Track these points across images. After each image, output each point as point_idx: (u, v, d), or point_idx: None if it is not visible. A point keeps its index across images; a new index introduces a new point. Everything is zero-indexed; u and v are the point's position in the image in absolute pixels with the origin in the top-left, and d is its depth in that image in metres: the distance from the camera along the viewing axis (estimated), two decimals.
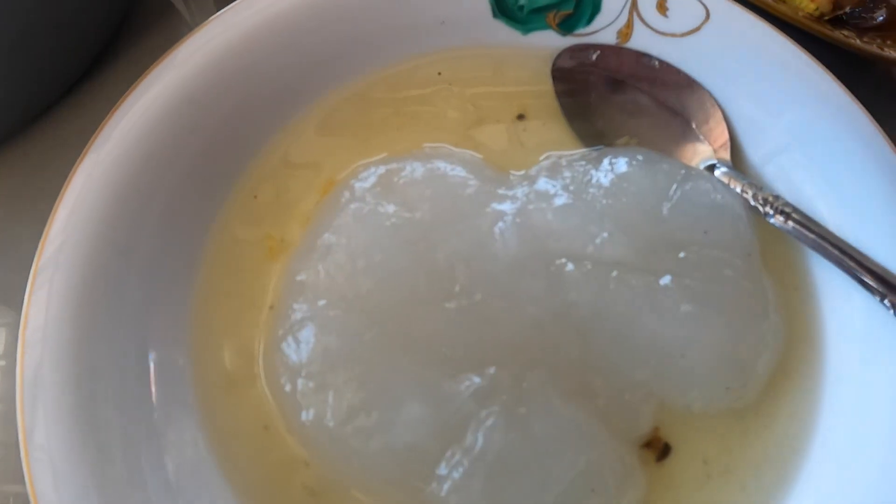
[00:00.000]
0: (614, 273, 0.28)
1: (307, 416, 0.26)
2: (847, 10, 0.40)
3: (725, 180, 0.32)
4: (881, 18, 0.46)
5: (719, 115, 0.34)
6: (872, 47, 0.39)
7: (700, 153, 0.33)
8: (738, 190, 0.32)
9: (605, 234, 0.28)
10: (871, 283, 0.30)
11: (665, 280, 0.28)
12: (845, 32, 0.39)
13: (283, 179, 0.31)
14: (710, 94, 0.34)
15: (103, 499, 0.23)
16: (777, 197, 0.32)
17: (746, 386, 0.29)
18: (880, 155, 0.33)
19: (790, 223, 0.31)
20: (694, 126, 0.34)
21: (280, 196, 0.31)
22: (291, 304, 0.27)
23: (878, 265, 0.30)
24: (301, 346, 0.26)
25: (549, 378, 0.26)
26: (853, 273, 0.30)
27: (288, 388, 0.26)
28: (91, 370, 0.25)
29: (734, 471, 0.30)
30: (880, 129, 0.33)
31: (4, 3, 0.29)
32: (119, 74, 0.39)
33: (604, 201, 0.29)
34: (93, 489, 0.23)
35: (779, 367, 0.31)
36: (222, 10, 0.31)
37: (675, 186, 0.30)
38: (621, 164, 0.30)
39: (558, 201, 0.29)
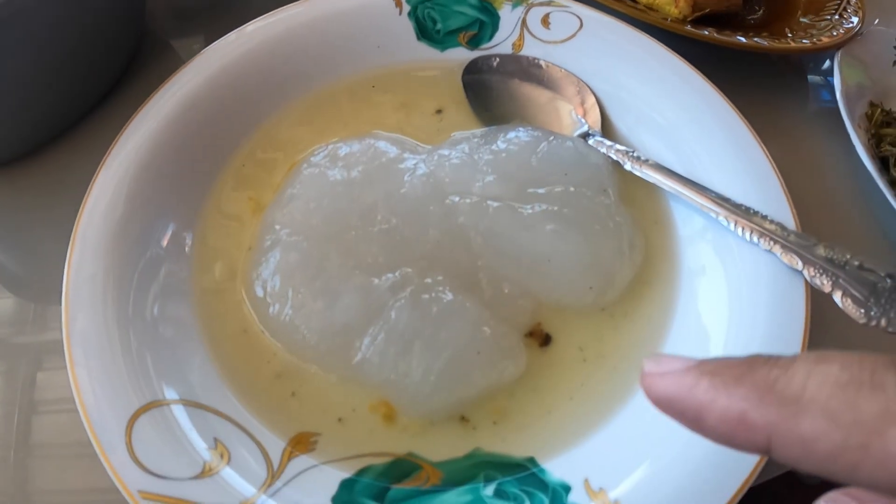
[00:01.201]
0: (494, 203, 0.38)
1: (273, 310, 0.37)
2: (708, 10, 0.50)
3: (595, 144, 0.43)
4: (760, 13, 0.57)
5: (592, 99, 0.45)
6: (732, 38, 0.48)
7: (577, 127, 0.44)
8: (604, 149, 0.42)
9: (488, 179, 0.39)
10: (710, 206, 0.39)
11: (533, 207, 0.38)
12: (711, 30, 0.49)
13: (261, 160, 0.43)
14: (586, 84, 0.45)
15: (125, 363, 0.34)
16: (632, 151, 0.42)
17: (607, 287, 0.38)
18: (723, 115, 0.43)
19: (643, 168, 0.41)
20: (572, 109, 0.45)
21: (260, 171, 0.43)
22: (265, 236, 0.39)
23: (713, 193, 0.39)
24: (270, 262, 0.37)
25: (446, 277, 0.36)
26: (694, 200, 0.39)
27: (259, 290, 0.37)
28: (118, 278, 0.37)
29: (606, 356, 0.38)
30: (724, 96, 0.43)
31: (33, 43, 0.41)
32: (130, 100, 0.49)
33: (487, 157, 0.39)
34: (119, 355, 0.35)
35: (640, 276, 0.40)
36: (206, 48, 0.44)
37: (543, 144, 0.40)
38: (505, 134, 0.41)
39: (454, 160, 0.40)
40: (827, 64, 0.56)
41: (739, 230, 0.38)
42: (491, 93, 0.45)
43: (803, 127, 0.52)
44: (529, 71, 0.46)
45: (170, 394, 0.35)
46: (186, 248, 0.40)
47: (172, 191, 0.41)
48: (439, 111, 0.45)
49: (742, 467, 0.32)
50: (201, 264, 0.40)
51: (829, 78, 0.54)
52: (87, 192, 0.39)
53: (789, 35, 0.51)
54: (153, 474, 0.32)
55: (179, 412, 0.35)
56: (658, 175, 0.41)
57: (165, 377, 0.35)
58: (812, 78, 0.56)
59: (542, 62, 0.46)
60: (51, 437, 0.39)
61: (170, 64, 0.55)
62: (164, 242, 0.39)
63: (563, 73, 0.45)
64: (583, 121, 0.44)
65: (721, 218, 0.39)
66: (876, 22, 0.60)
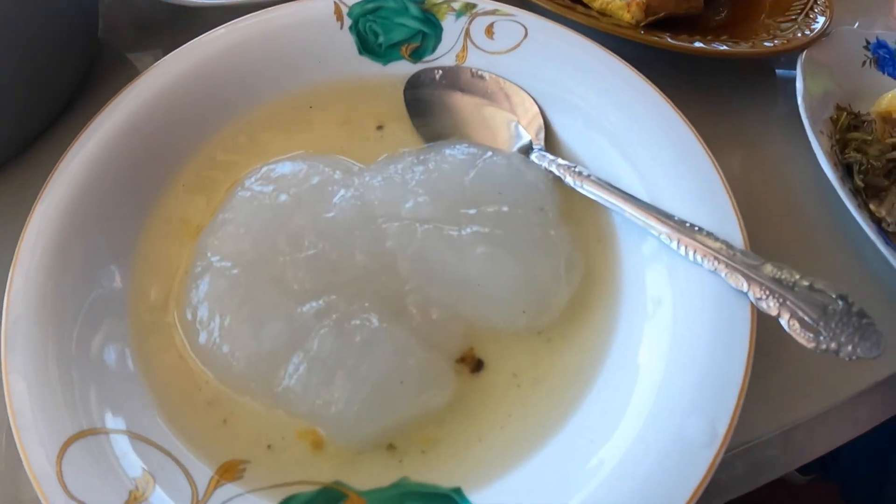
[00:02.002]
0: (423, 226, 0.37)
1: (202, 337, 0.36)
2: (663, 14, 0.48)
3: (537, 159, 0.41)
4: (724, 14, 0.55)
5: (535, 110, 0.43)
6: (686, 44, 0.47)
7: (520, 140, 0.43)
8: (545, 164, 0.41)
9: (418, 199, 0.38)
10: (652, 224, 0.38)
11: (464, 229, 0.37)
12: (664, 35, 0.48)
13: (201, 182, 0.43)
14: (529, 95, 0.44)
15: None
16: (574, 166, 0.40)
17: (542, 310, 0.37)
18: (671, 125, 0.41)
19: (584, 183, 0.40)
20: (516, 121, 0.44)
21: (198, 193, 0.42)
22: (197, 261, 0.38)
23: (656, 210, 0.38)
24: (200, 288, 0.37)
25: (373, 303, 0.36)
26: (636, 218, 0.38)
27: (189, 317, 0.37)
28: (56, 310, 0.37)
29: (541, 381, 0.37)
30: (672, 104, 0.42)
31: None
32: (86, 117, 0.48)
33: (419, 177, 0.39)
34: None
35: (578, 299, 0.39)
36: (143, 72, 0.44)
37: (477, 162, 0.39)
38: (439, 152, 0.40)
39: (384, 180, 0.39)
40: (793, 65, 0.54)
41: (683, 249, 0.37)
42: (433, 108, 0.44)
43: (766, 133, 0.51)
44: (472, 83, 0.44)
45: (101, 422, 0.35)
46: (124, 275, 0.40)
47: (111, 216, 0.41)
48: (380, 127, 0.44)
49: (676, 496, 0.31)
50: (138, 289, 0.40)
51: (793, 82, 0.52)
52: (25, 226, 0.39)
53: (753, 38, 0.49)
54: (79, 502, 0.32)
55: (111, 440, 0.35)
56: (599, 191, 0.39)
57: (99, 404, 0.35)
58: (776, 81, 0.54)
59: (485, 74, 0.45)
60: None
61: (128, 78, 0.54)
62: (99, 267, 0.39)
63: (506, 85, 0.44)
64: (525, 134, 0.43)
65: (663, 237, 0.37)
66: (856, 25, 0.58)
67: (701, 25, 0.53)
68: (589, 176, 0.40)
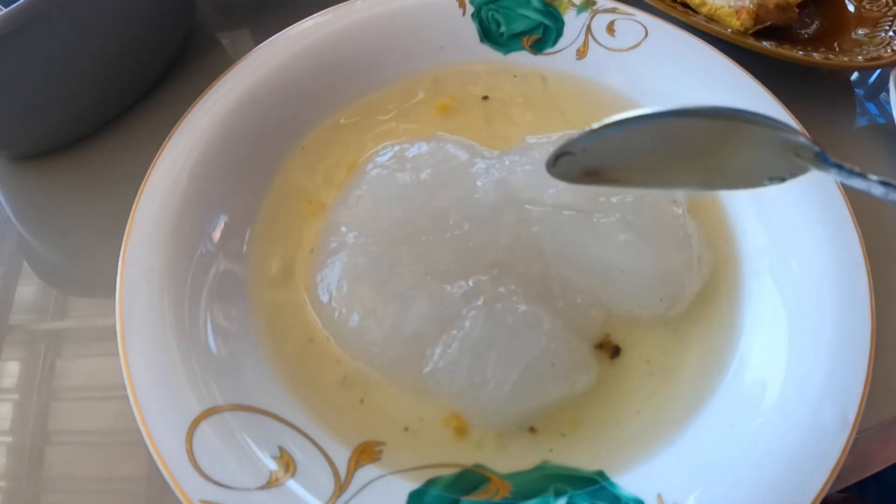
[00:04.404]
0: (567, 213, 0.37)
1: (339, 315, 0.36)
2: (769, 22, 0.50)
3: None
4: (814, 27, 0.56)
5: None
6: (791, 52, 0.48)
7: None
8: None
9: (561, 186, 0.38)
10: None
11: (605, 216, 0.38)
12: (771, 43, 0.49)
13: (321, 159, 0.42)
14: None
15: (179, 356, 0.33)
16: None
17: (676, 299, 0.38)
18: None
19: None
20: None
21: (320, 169, 0.42)
22: (329, 237, 0.38)
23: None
24: (336, 265, 0.36)
25: (519, 286, 0.36)
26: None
27: (325, 297, 0.36)
28: (174, 277, 0.35)
29: (671, 370, 0.37)
30: (784, 107, 0.43)
31: (85, 32, 0.41)
32: (178, 92, 0.50)
33: None
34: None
35: (706, 291, 0.39)
36: (267, 41, 0.43)
37: None
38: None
39: (526, 166, 0.39)
40: (882, 79, 0.56)
41: None
42: None
43: (852, 143, 0.52)
44: None
45: (229, 400, 0.34)
46: (244, 247, 0.39)
47: (229, 187, 0.40)
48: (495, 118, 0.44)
49: (814, 480, 0.32)
50: (259, 266, 0.39)
51: (882, 94, 0.54)
52: (142, 186, 0.38)
53: (837, 50, 0.51)
54: (216, 483, 0.31)
55: (241, 419, 0.34)
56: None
57: (224, 382, 0.34)
58: (864, 93, 0.56)
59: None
60: (71, 424, 0.38)
61: (216, 56, 0.54)
62: (218, 239, 0.38)
63: None
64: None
65: None
66: None
67: (790, 37, 0.54)
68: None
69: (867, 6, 0.56)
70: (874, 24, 0.54)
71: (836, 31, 0.55)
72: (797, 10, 0.53)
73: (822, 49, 0.51)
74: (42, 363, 0.40)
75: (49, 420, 0.38)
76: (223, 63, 0.44)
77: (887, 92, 0.49)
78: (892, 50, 0.51)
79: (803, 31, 0.56)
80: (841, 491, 0.95)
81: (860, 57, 0.51)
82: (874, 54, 0.51)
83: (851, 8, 0.57)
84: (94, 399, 0.39)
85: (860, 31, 0.54)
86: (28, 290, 0.43)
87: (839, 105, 0.54)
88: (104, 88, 0.46)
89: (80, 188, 0.46)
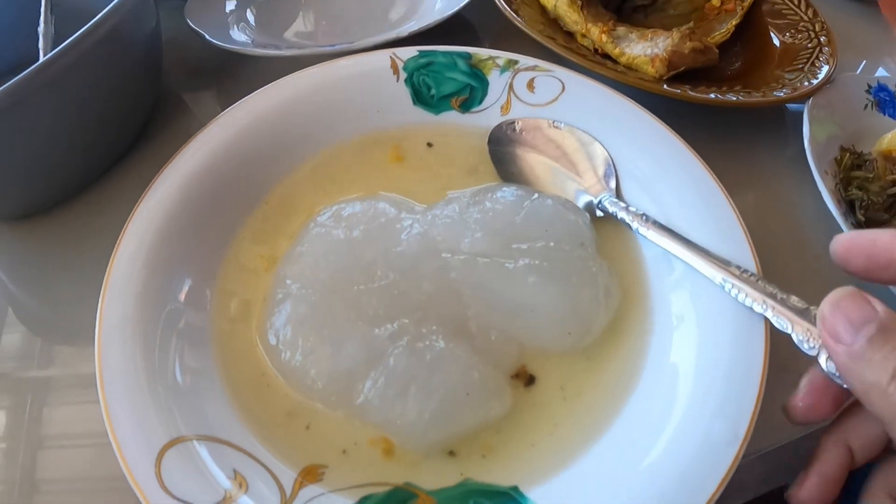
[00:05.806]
0: (482, 259, 0.43)
1: (285, 356, 0.42)
2: (683, 67, 0.54)
3: (609, 205, 0.46)
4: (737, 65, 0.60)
5: (605, 155, 0.48)
6: (703, 95, 0.52)
7: (603, 189, 0.48)
8: (617, 210, 0.46)
9: (476, 236, 0.43)
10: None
11: (517, 262, 0.43)
12: (686, 87, 0.53)
13: (275, 219, 0.48)
14: (602, 145, 0.49)
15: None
16: (642, 213, 0.45)
17: (586, 331, 0.42)
18: (690, 167, 0.47)
19: (648, 229, 0.44)
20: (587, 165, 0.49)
21: (273, 228, 0.48)
22: (277, 289, 0.44)
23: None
24: (282, 313, 0.42)
25: (440, 326, 0.41)
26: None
27: (272, 339, 0.42)
28: (145, 326, 0.41)
29: (584, 394, 0.42)
30: (691, 149, 0.47)
31: (65, 106, 0.47)
32: (149, 156, 0.56)
33: (476, 216, 0.44)
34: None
35: (615, 323, 0.44)
36: (220, 114, 0.49)
37: (525, 203, 0.45)
38: (493, 194, 0.46)
39: (445, 219, 0.44)
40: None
41: (743, 297, 0.40)
42: (513, 156, 0.50)
43: (777, 173, 0.56)
44: (549, 134, 0.50)
45: (193, 430, 0.39)
46: (206, 300, 0.45)
47: (194, 246, 0.46)
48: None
49: (704, 490, 0.36)
50: (220, 314, 0.45)
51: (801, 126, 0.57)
52: (117, 244, 0.44)
53: (761, 85, 0.55)
54: (181, 501, 0.36)
55: (201, 447, 0.39)
56: (665, 238, 0.44)
57: (189, 415, 0.40)
58: (787, 125, 0.59)
59: (560, 124, 0.50)
60: (55, 473, 0.44)
61: (184, 119, 0.60)
62: (183, 299, 0.44)
63: (584, 136, 0.50)
64: (609, 185, 0.48)
65: (727, 286, 0.40)
66: (862, 64, 0.64)
67: (717, 75, 0.58)
68: (655, 222, 0.44)
69: (789, 39, 0.60)
70: (793, 59, 0.58)
71: (760, 65, 0.59)
72: (717, 50, 0.57)
73: (739, 87, 0.55)
74: (29, 410, 0.46)
75: (37, 469, 0.44)
76: (189, 123, 0.50)
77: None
78: (806, 83, 0.55)
79: (729, 69, 0.60)
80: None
81: (781, 92, 0.55)
82: (789, 88, 0.54)
83: (776, 42, 0.60)
84: (79, 447, 0.44)
85: (781, 66, 0.58)
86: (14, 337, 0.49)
87: (770, 134, 0.58)
88: (82, 156, 0.52)
89: (62, 245, 0.52)
